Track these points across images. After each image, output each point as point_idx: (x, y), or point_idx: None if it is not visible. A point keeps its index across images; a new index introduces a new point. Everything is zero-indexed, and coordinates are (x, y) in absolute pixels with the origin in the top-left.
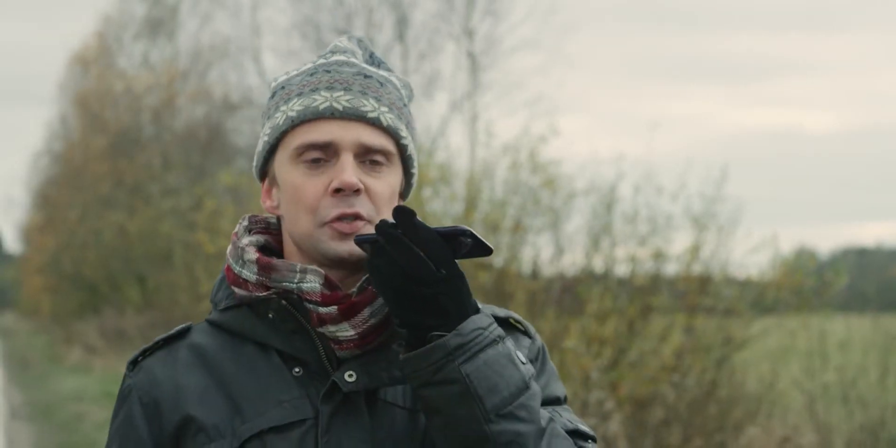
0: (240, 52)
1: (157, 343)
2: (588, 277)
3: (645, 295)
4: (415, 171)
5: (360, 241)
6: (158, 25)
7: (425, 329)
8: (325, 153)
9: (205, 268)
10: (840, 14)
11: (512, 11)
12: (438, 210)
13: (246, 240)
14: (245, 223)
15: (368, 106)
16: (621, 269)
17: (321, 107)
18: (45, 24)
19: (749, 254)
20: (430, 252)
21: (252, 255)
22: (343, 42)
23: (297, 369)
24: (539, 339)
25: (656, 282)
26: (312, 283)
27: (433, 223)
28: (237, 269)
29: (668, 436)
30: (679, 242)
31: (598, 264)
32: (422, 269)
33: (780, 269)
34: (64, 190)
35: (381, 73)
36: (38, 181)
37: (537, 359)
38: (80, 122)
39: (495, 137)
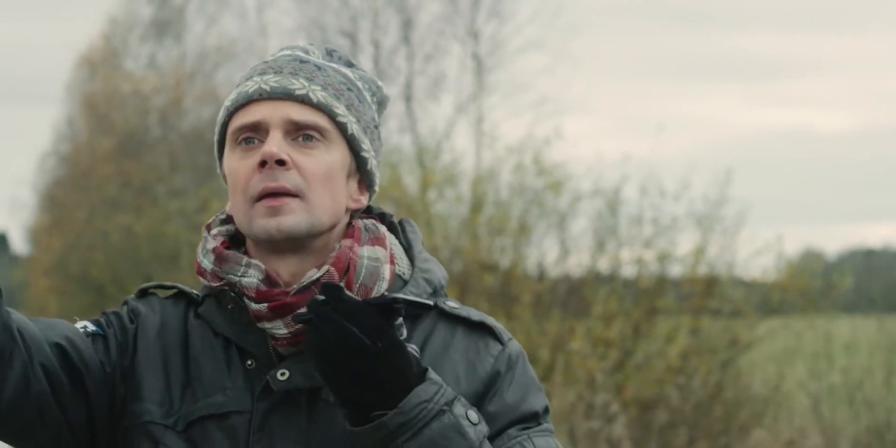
0: (246, 54)
1: (174, 290)
2: (593, 279)
3: (650, 297)
4: (366, 153)
5: (299, 320)
6: (165, 27)
7: (366, 406)
8: (257, 133)
9: None
10: (852, 14)
11: (517, 12)
12: (444, 212)
13: (216, 230)
14: (223, 216)
15: (297, 84)
16: (627, 271)
17: (250, 90)
18: (49, 23)
19: (754, 256)
20: (362, 325)
21: (211, 244)
22: (300, 43)
23: (249, 362)
24: (514, 346)
25: (662, 284)
26: (251, 279)
27: (439, 225)
28: (200, 257)
29: (674, 438)
30: (684, 244)
31: (604, 266)
32: (355, 344)
33: (785, 270)
34: (71, 191)
35: (332, 64)
36: (45, 182)
37: (508, 368)
38: (86, 123)
39: (501, 139)
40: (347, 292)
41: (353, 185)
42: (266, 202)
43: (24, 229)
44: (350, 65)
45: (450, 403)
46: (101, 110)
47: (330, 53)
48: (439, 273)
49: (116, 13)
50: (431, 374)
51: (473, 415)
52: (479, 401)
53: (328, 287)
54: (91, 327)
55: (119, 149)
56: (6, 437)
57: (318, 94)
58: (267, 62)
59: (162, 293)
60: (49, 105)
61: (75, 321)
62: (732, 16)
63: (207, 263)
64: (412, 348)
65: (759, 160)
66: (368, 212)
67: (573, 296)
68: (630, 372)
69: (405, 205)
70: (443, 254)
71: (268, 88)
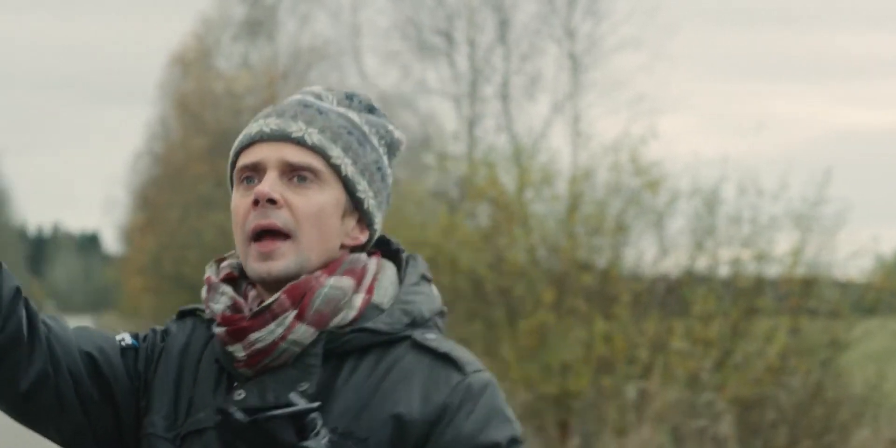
0: (340, 54)
1: (203, 313)
2: (691, 279)
3: (749, 297)
4: (362, 194)
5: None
6: (257, 26)
7: None
8: (257, 173)
9: None
10: None
11: (614, 11)
12: (541, 211)
13: (227, 262)
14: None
15: (295, 127)
16: (725, 271)
17: (253, 132)
18: (142, 23)
19: (851, 256)
20: (252, 441)
21: (207, 273)
22: (315, 87)
23: (235, 383)
24: (477, 378)
25: (760, 283)
26: (219, 305)
27: (535, 225)
28: (204, 287)
29: (775, 437)
30: (782, 244)
31: (702, 266)
32: None
33: (881, 271)
34: (164, 190)
35: (338, 109)
36: (139, 182)
37: (468, 398)
38: (180, 122)
39: (597, 138)
40: (237, 413)
41: (351, 223)
42: (258, 246)
43: (117, 229)
44: (370, 109)
45: None
46: (194, 110)
47: (350, 98)
48: (425, 305)
49: (209, 13)
50: (430, 342)
51: None
52: (431, 429)
53: (220, 410)
54: (128, 340)
55: (212, 148)
56: (26, 422)
57: (313, 137)
58: (275, 106)
59: (202, 315)
60: (141, 104)
61: (117, 333)
62: (830, 16)
63: (204, 292)
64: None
65: (854, 159)
66: (385, 244)
67: (671, 295)
68: (729, 371)
69: (502, 204)
70: (540, 253)
71: (268, 130)
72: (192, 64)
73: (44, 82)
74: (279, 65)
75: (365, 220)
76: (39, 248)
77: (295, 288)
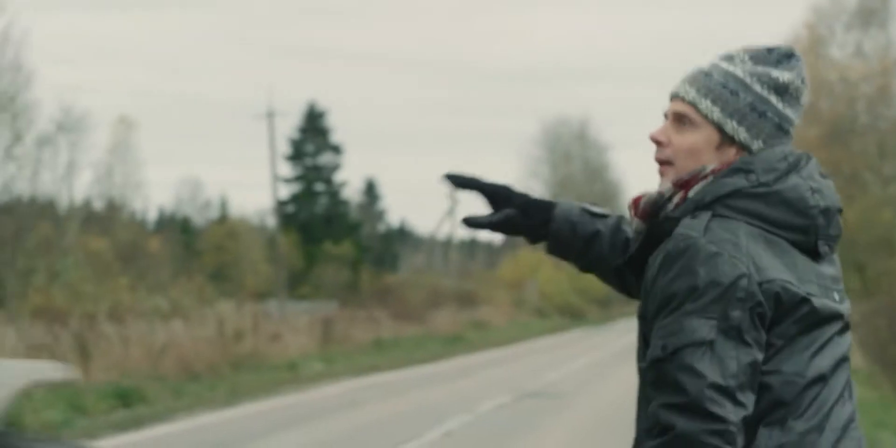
0: None
1: None
2: None
3: None
4: (731, 130)
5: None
6: (870, 15)
7: None
8: (666, 119)
9: None
10: None
11: None
12: None
13: None
14: None
15: (682, 89)
16: None
17: (670, 91)
18: (750, 15)
19: None
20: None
21: None
22: (733, 50)
23: None
24: (678, 244)
25: None
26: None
27: None
28: None
29: None
30: None
31: None
32: None
33: None
34: None
35: (726, 67)
36: None
37: (665, 261)
38: None
39: None
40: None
41: (732, 151)
42: (659, 167)
43: None
44: (788, 57)
45: None
46: (809, 98)
47: (770, 51)
48: (710, 192)
49: (821, 3)
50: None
51: None
52: (649, 286)
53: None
54: None
55: (827, 136)
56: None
57: (690, 94)
58: (686, 72)
59: None
60: None
61: None
62: None
63: None
64: None
65: None
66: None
67: None
68: None
69: None
70: None
71: (673, 91)
72: (805, 53)
73: (642, 75)
74: (893, 52)
75: (743, 147)
76: None
77: (636, 197)
